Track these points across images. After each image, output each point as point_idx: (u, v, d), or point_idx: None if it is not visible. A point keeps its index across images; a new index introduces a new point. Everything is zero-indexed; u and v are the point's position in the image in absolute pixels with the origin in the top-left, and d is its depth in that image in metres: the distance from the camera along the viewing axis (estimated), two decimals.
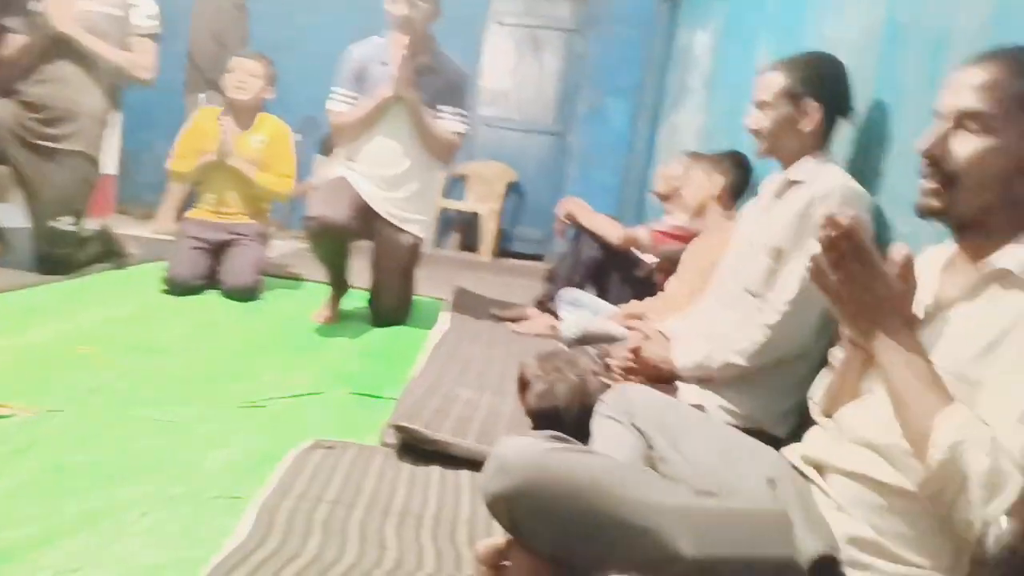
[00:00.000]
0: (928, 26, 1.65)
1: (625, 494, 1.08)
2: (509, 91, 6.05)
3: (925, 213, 1.08)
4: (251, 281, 3.22)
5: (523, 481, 1.07)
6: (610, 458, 1.27)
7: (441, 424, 1.80)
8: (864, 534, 1.04)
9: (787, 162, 1.81)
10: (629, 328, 2.36)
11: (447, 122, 2.97)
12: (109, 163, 5.17)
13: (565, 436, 1.22)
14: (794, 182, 1.77)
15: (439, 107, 2.96)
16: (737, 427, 1.64)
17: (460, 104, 3.00)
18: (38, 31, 2.97)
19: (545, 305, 3.18)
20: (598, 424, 1.56)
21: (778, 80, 1.79)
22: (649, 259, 3.07)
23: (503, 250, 5.87)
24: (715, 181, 2.58)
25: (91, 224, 3.35)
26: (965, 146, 1.03)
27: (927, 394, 0.96)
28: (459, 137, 3.00)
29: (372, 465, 1.62)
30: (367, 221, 2.95)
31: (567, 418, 1.83)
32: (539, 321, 3.12)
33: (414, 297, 3.27)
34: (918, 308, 1.07)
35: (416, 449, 1.71)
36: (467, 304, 3.39)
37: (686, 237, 2.79)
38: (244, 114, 3.34)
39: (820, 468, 1.15)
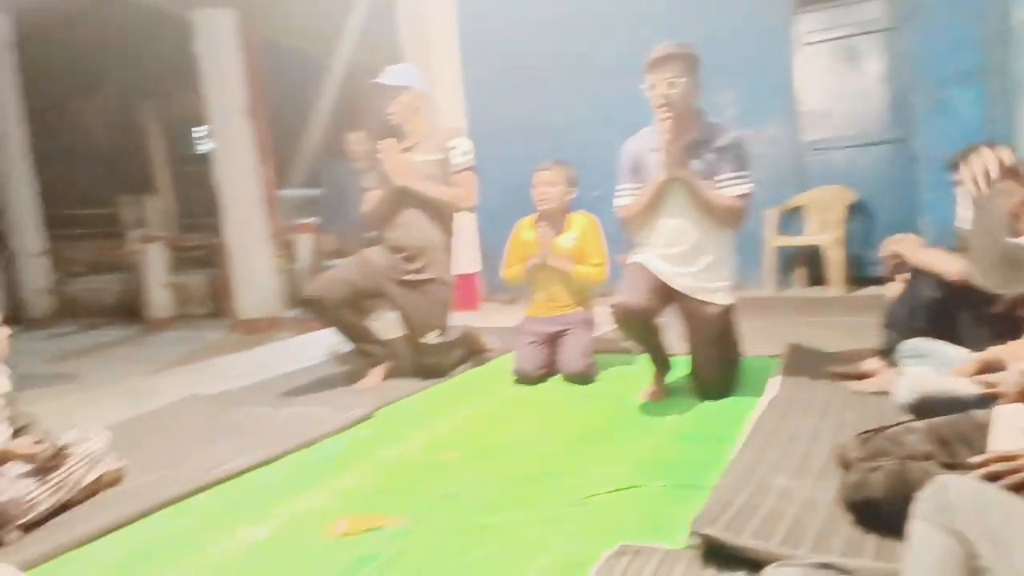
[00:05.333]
0: None
1: None
2: (831, 109, 5.64)
3: None
4: (583, 367, 3.51)
5: None
6: None
7: (746, 523, 1.75)
8: None
9: None
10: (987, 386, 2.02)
11: (728, 188, 2.95)
12: (471, 263, 6.03)
13: (834, 563, 1.15)
14: None
15: (717, 176, 2.96)
16: None
17: (738, 166, 2.97)
18: (387, 185, 3.66)
19: (887, 355, 2.87)
20: (911, 526, 1.41)
21: None
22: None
23: (857, 278, 5.40)
24: None
25: (454, 330, 3.94)
26: None
27: None
28: (742, 199, 2.97)
29: (674, 573, 1.64)
30: (670, 298, 3.04)
31: (888, 511, 1.66)
32: (883, 376, 2.82)
33: (744, 359, 3.21)
34: None
35: (722, 551, 1.70)
36: (800, 364, 3.21)
37: None
38: (554, 218, 3.69)
39: None
